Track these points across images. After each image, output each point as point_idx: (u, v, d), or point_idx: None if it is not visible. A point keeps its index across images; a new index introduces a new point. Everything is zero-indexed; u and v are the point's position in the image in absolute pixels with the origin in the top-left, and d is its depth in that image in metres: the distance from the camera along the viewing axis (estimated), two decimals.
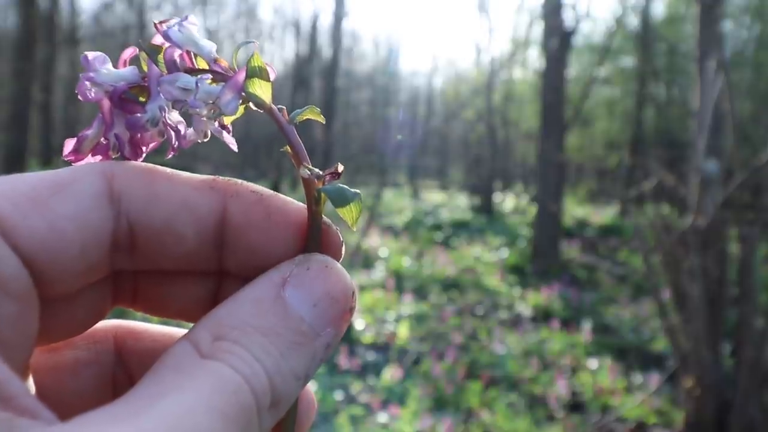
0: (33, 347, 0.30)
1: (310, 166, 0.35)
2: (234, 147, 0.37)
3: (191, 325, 0.33)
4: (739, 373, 2.85)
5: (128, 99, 0.34)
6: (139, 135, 0.35)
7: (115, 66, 0.35)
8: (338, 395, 3.75)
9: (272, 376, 0.30)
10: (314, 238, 0.35)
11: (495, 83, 16.18)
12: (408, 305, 5.71)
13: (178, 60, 0.34)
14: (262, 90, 0.35)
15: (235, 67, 0.35)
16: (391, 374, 4.03)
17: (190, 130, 0.36)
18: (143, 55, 0.34)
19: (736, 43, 13.85)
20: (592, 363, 4.48)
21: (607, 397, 3.91)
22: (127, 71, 0.34)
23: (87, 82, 0.34)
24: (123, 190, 0.32)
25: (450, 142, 26.73)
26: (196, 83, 0.33)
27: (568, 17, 9.90)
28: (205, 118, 0.35)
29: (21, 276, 0.28)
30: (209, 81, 0.34)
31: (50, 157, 17.41)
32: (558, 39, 8.24)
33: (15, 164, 9.62)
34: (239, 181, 0.36)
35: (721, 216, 3.00)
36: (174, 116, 0.35)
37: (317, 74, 19.13)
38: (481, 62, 18.34)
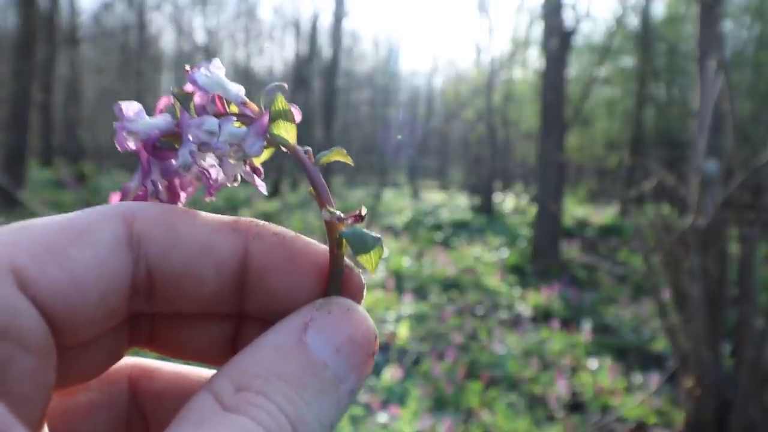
0: (50, 397, 0.30)
1: (333, 209, 0.34)
2: (264, 191, 0.37)
3: (208, 365, 0.33)
4: (739, 373, 2.85)
5: (162, 147, 0.34)
6: (177, 180, 0.35)
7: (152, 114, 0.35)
8: None
9: (297, 427, 0.29)
10: (336, 281, 0.35)
11: (495, 83, 16.18)
12: (408, 305, 5.71)
13: (206, 104, 0.35)
14: (287, 131, 0.35)
15: (263, 110, 0.35)
16: (391, 374, 4.03)
17: (221, 174, 0.36)
18: (177, 103, 0.35)
19: (736, 43, 13.86)
20: (592, 363, 4.48)
21: (607, 397, 3.91)
22: (160, 119, 0.34)
23: (123, 133, 0.34)
24: (143, 234, 0.32)
25: (450, 142, 26.75)
26: (219, 125, 0.33)
27: (568, 17, 9.90)
28: (233, 161, 0.35)
29: (39, 328, 0.28)
30: (237, 124, 0.34)
31: (50, 157, 17.41)
32: (558, 39, 8.24)
33: (15, 164, 9.62)
34: (261, 222, 0.35)
35: (721, 216, 3.00)
36: (207, 161, 0.35)
37: (317, 74, 19.13)
38: (481, 62, 18.35)
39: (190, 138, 0.33)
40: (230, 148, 0.34)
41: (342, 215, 0.34)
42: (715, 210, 3.00)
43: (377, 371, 4.18)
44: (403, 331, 4.98)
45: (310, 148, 0.35)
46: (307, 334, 0.32)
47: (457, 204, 16.57)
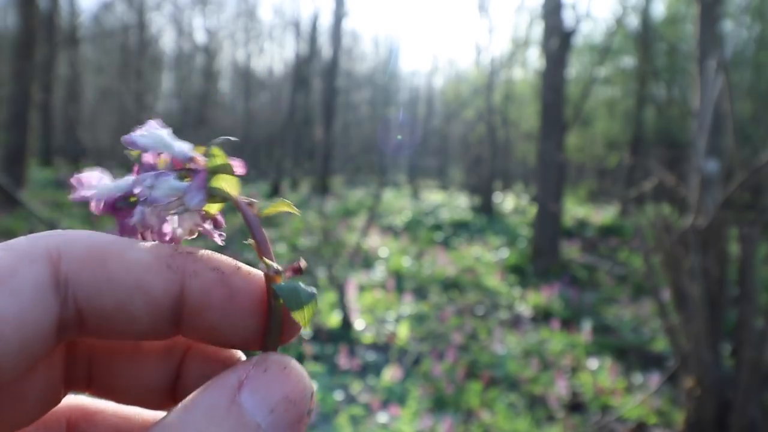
0: None
1: (270, 262, 0.34)
2: (221, 242, 0.38)
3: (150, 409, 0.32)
4: (739, 373, 2.85)
5: (124, 207, 0.35)
6: (149, 236, 0.36)
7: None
8: (338, 395, 3.75)
9: None
10: (274, 332, 0.34)
11: (495, 83, 16.18)
12: (408, 305, 5.70)
13: (156, 162, 0.36)
14: (228, 184, 0.35)
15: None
16: (391, 374, 4.03)
17: (179, 229, 0.36)
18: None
19: (736, 43, 13.86)
20: (592, 363, 4.48)
21: (607, 397, 3.91)
22: (122, 181, 0.35)
23: (93, 201, 0.35)
24: (70, 274, 0.31)
25: (450, 142, 26.74)
26: (155, 180, 0.34)
27: (568, 17, 9.91)
28: (187, 215, 0.36)
29: None
30: (188, 179, 0.35)
31: (50, 157, 17.43)
32: (558, 39, 8.24)
33: (15, 164, 9.63)
34: (200, 255, 0.34)
35: (721, 216, 3.00)
36: (168, 217, 0.36)
37: (317, 74, 19.13)
38: (481, 62, 18.32)
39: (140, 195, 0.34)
40: (171, 201, 0.34)
41: (279, 268, 0.34)
42: (715, 210, 3.00)
43: (377, 371, 4.19)
44: (403, 331, 4.98)
45: (255, 200, 0.36)
46: (242, 394, 0.31)
47: (457, 204, 16.56)
